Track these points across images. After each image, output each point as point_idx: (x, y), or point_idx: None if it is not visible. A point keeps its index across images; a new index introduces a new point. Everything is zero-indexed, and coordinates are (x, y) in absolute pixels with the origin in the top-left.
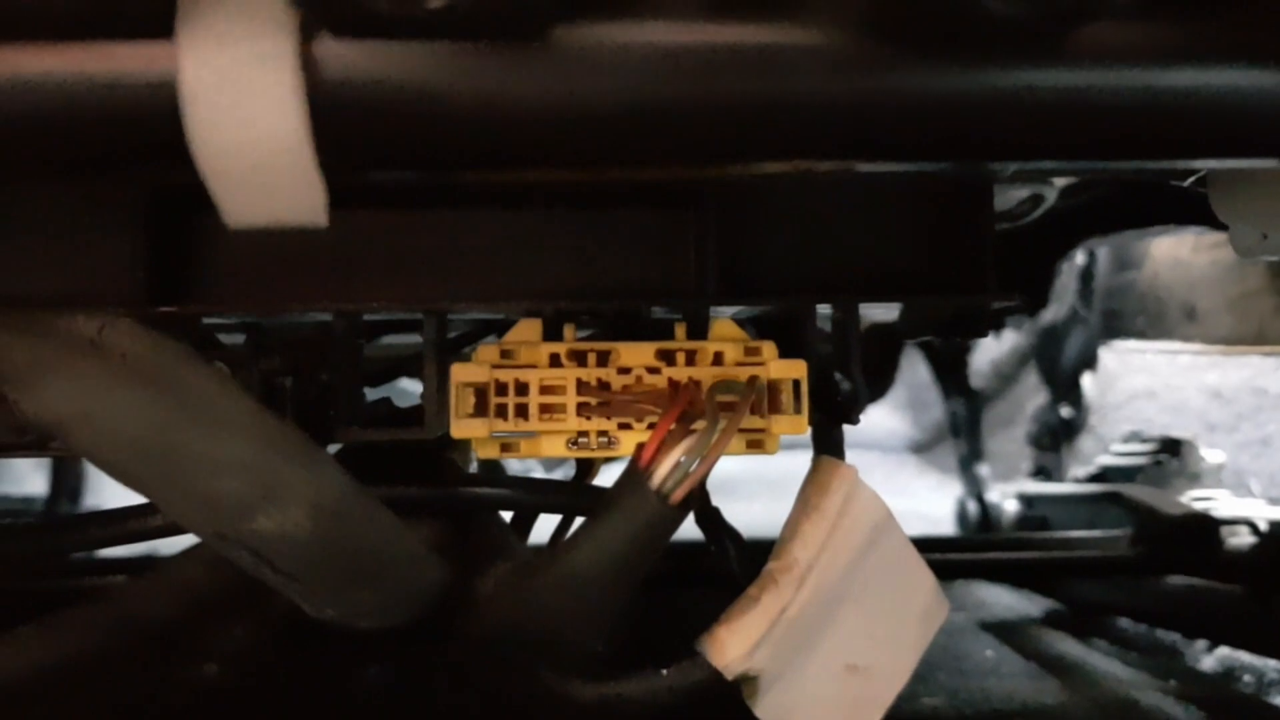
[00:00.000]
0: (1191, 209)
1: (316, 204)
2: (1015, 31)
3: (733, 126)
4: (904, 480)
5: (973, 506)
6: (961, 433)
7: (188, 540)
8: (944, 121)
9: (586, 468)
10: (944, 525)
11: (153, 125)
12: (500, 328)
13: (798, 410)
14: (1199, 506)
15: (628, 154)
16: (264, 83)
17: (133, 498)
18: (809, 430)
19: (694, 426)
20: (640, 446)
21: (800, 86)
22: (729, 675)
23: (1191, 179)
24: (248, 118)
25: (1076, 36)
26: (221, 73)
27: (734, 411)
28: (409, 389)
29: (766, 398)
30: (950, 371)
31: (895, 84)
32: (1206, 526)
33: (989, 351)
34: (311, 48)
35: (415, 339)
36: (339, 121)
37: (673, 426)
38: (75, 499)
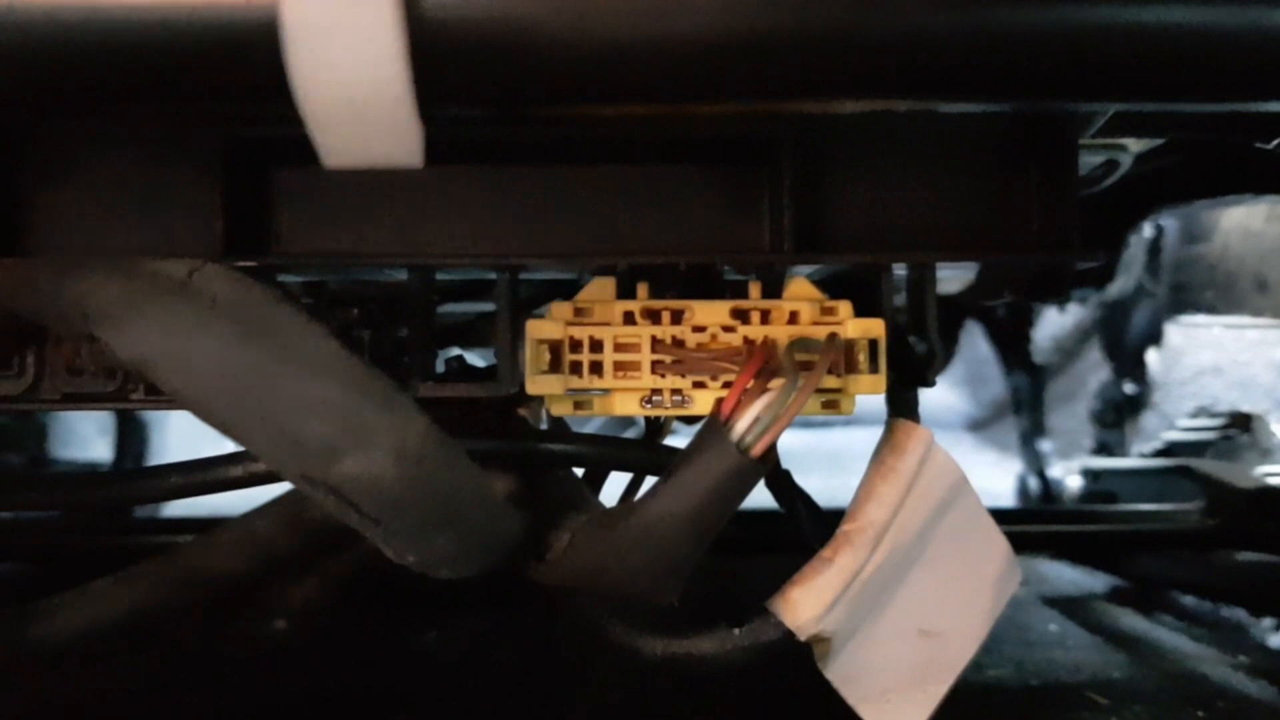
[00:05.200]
0: (1271, 176)
1: (413, 144)
2: None
3: (830, 57)
4: (961, 456)
5: (1034, 482)
6: (1023, 408)
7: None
8: (1051, 55)
9: (656, 428)
10: (1004, 501)
11: (253, 59)
12: (566, 291)
13: (874, 370)
14: (1272, 482)
15: (723, 87)
16: (365, 16)
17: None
18: (885, 391)
19: (770, 385)
20: (720, 400)
21: (902, 18)
22: (802, 636)
23: (1278, 140)
24: (349, 53)
25: None
26: (323, 6)
27: (813, 368)
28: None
29: (843, 358)
30: (1012, 346)
31: (1001, 15)
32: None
33: (1050, 326)
34: None
35: (470, 308)
36: (437, 55)
37: (751, 382)
38: (139, 463)
